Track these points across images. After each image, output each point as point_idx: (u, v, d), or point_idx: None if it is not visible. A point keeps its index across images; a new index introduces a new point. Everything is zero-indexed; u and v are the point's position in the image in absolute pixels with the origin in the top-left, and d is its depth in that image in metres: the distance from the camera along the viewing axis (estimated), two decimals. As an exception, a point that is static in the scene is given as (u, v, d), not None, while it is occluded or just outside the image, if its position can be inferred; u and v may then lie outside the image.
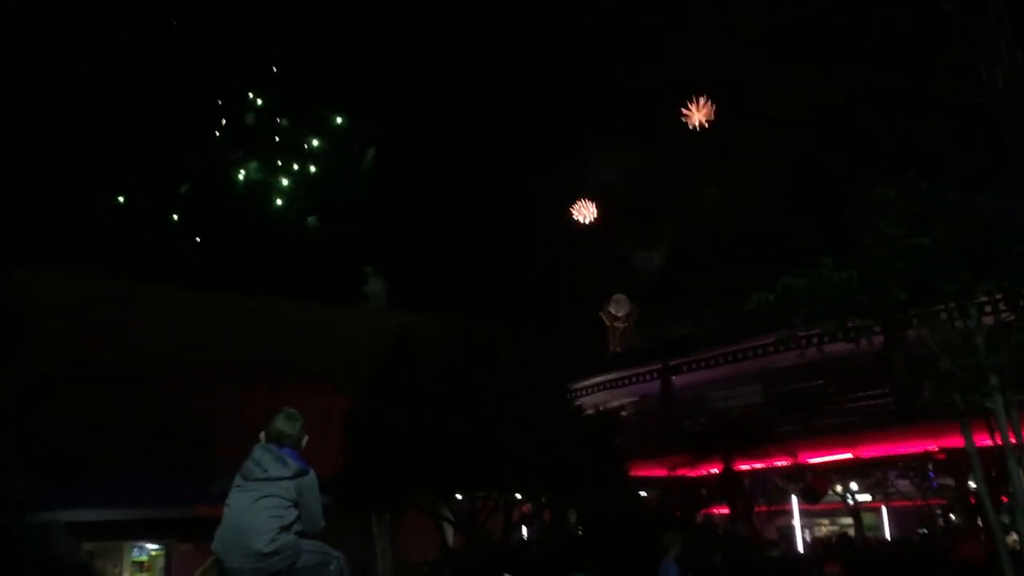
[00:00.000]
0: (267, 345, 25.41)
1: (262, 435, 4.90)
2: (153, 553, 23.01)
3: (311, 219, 59.35)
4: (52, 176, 44.96)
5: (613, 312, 53.40)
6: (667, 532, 11.91)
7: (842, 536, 24.87)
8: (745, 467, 24.00)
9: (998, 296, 7.91)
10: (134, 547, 22.79)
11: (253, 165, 59.44)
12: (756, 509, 24.80)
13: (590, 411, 22.21)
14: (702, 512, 24.55)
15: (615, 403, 31.93)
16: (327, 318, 30.23)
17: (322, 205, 59.18)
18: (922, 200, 7.08)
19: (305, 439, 4.97)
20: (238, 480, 4.79)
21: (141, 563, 22.96)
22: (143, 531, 21.53)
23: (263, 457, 4.77)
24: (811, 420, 27.22)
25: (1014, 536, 8.28)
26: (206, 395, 22.75)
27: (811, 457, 24.30)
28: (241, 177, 58.73)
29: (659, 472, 24.46)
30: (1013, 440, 7.54)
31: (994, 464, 8.05)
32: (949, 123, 7.00)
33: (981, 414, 7.59)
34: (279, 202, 59.51)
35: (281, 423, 4.89)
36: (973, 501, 21.04)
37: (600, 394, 34.61)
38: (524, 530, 23.56)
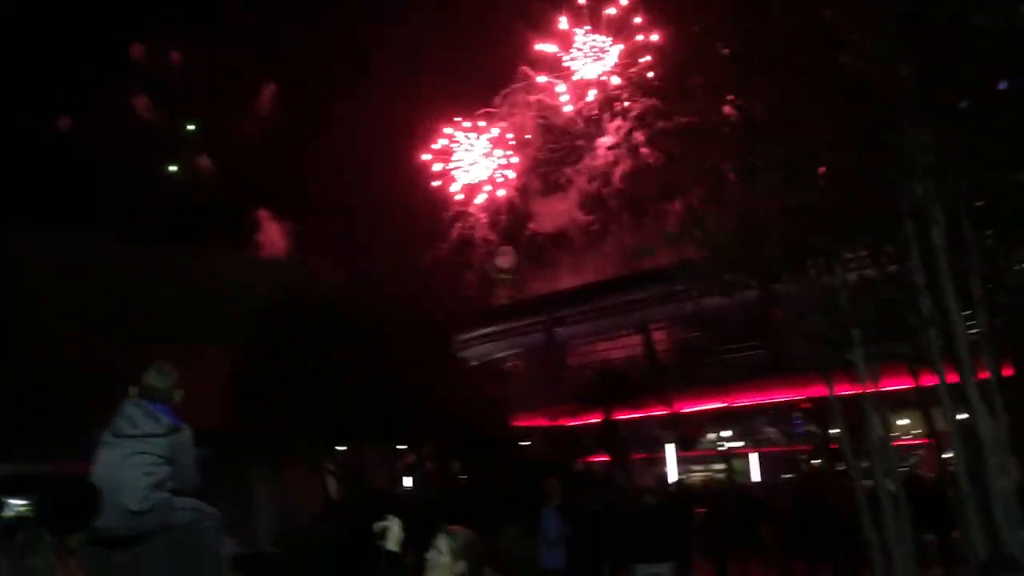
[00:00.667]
0: (147, 295, 24.41)
1: (132, 390, 4.69)
2: (21, 509, 22.10)
3: (202, 160, 56.49)
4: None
5: (499, 264, 53.63)
6: (548, 481, 12.14)
7: (709, 481, 25.90)
8: (624, 417, 24.71)
9: (863, 254, 8.31)
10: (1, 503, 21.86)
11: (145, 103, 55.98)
12: (633, 457, 25.61)
13: (475, 362, 22.37)
14: (582, 461, 25.20)
15: (500, 355, 32.28)
16: (215, 267, 29.17)
17: (216, 147, 56.46)
18: (799, 161, 7.32)
19: (179, 394, 4.79)
20: (107, 437, 4.57)
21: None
22: (9, 487, 20.63)
23: (134, 413, 4.57)
24: (688, 371, 28.16)
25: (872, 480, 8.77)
26: (79, 347, 21.76)
27: (687, 407, 25.21)
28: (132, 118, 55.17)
29: (541, 422, 24.93)
30: (872, 390, 7.99)
31: (855, 412, 8.51)
32: (826, 89, 7.21)
33: (844, 366, 7.99)
34: (175, 149, 56.31)
35: (153, 378, 4.69)
36: (835, 447, 22.28)
37: (485, 346, 34.86)
38: (407, 480, 23.67)
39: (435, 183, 58.64)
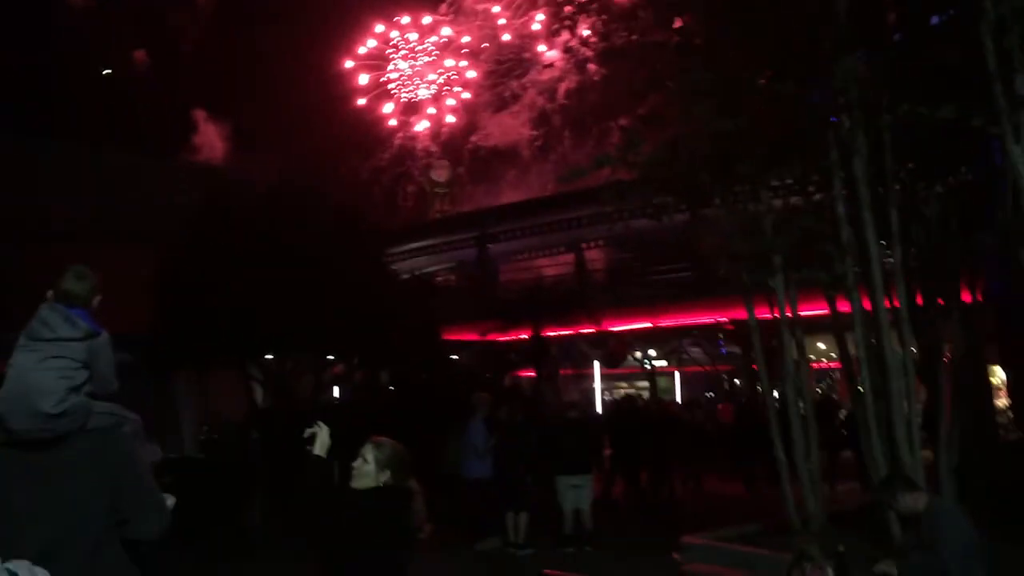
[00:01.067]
0: (75, 197, 23.73)
1: (50, 294, 4.62)
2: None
3: (138, 55, 53.37)
4: None
5: (434, 178, 53.11)
6: (476, 393, 12.35)
7: (628, 397, 26.69)
8: (553, 334, 25.06)
9: (789, 182, 8.46)
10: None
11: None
12: (561, 372, 26.09)
13: (406, 275, 22.35)
14: (511, 375, 25.57)
15: (432, 268, 32.28)
16: (145, 170, 28.35)
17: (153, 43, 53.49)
18: (733, 86, 7.36)
19: (97, 299, 4.70)
20: (23, 340, 4.49)
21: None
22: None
23: (50, 317, 4.49)
24: (616, 291, 28.60)
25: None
26: (7, 249, 21.20)
27: (614, 325, 25.66)
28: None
29: (472, 337, 25.14)
30: (789, 315, 8.24)
31: (773, 335, 8.81)
32: (764, 15, 7.20)
33: (765, 290, 8.22)
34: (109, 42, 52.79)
35: (70, 282, 4.59)
36: (756, 368, 23.02)
37: (418, 259, 34.80)
38: (336, 390, 23.77)
39: (361, 100, 56.53)
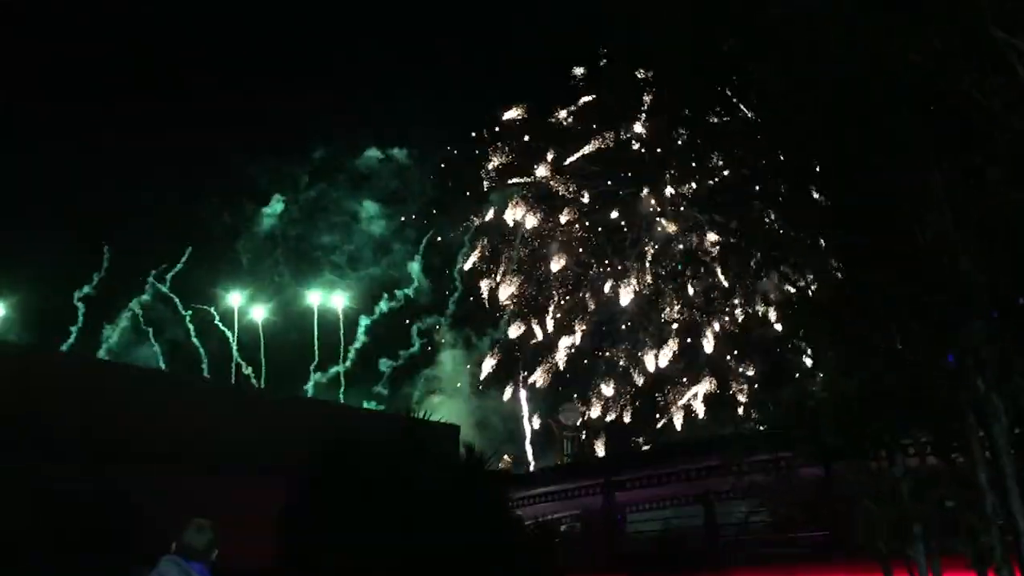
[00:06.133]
0: (204, 428, 24.66)
1: (173, 545, 4.90)
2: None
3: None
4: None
5: (563, 421, 52.78)
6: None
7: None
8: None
9: (924, 440, 8.07)
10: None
11: None
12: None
13: (530, 521, 21.85)
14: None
15: (556, 515, 31.54)
16: (272, 404, 29.45)
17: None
18: (861, 346, 7.24)
19: (215, 553, 4.94)
20: (142, 594, 4.73)
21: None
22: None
23: (169, 571, 4.74)
24: (748, 547, 27.12)
25: None
26: (133, 476, 21.97)
27: (746, 583, 24.16)
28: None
29: (597, 588, 24.09)
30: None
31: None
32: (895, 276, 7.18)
33: (905, 559, 7.64)
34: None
35: (190, 536, 4.88)
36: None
37: (541, 505, 34.12)
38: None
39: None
